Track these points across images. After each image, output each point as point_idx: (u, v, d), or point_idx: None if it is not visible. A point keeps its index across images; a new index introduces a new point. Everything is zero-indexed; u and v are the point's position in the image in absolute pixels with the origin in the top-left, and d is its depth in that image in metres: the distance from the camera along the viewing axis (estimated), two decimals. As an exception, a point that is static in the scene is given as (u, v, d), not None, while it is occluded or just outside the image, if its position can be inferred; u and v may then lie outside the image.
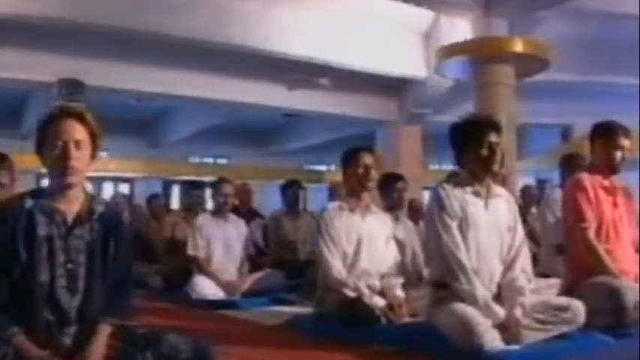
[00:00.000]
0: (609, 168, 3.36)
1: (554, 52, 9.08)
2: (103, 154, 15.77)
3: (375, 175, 3.41)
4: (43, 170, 2.04)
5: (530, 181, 11.37)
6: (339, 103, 11.49)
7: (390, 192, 4.33)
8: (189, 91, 10.66)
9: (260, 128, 16.32)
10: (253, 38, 9.23)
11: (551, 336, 2.67)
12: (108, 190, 15.06)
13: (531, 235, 5.06)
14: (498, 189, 2.84)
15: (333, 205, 3.43)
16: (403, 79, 11.16)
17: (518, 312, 2.60)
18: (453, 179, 2.79)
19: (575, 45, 9.98)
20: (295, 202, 5.61)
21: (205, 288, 4.47)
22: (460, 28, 9.27)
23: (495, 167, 2.74)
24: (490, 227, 2.72)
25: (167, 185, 15.90)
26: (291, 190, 5.65)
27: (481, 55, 8.93)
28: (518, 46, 8.82)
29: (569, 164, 4.35)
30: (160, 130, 15.72)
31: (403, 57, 10.44)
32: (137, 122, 15.12)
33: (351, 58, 9.89)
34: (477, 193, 2.74)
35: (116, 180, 15.45)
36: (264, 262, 5.29)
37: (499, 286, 2.72)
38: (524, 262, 2.82)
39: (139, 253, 5.95)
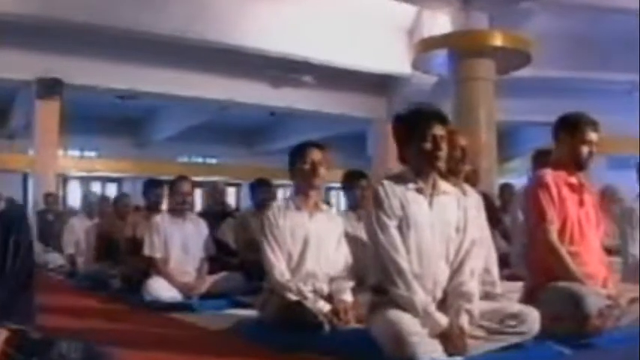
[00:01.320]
0: (575, 164, 3.14)
1: (535, 46, 8.84)
2: (91, 153, 15.60)
3: (323, 172, 3.19)
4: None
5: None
6: (325, 101, 11.34)
7: (353, 190, 4.13)
8: (172, 89, 10.55)
9: (249, 127, 16.16)
10: (232, 35, 9.09)
11: (500, 347, 2.45)
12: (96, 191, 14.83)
13: (506, 235, 4.90)
14: (446, 186, 2.60)
15: (278, 204, 3.23)
16: (389, 76, 10.97)
17: (463, 320, 2.36)
18: (394, 176, 2.55)
19: (563, 41, 9.76)
20: (263, 201, 5.39)
21: (159, 289, 4.28)
22: (441, 23, 9.06)
23: (440, 163, 2.50)
24: (434, 227, 2.47)
25: (157, 185, 15.64)
26: (259, 189, 5.46)
27: (459, 48, 8.68)
28: (498, 40, 8.56)
29: (540, 160, 4.12)
30: (148, 130, 15.55)
31: (387, 54, 10.27)
32: (124, 122, 14.96)
33: (334, 55, 9.74)
34: (420, 191, 2.50)
35: (104, 180, 15.22)
36: (233, 263, 5.11)
37: (446, 292, 2.49)
38: (475, 264, 2.58)
39: (103, 253, 5.83)
